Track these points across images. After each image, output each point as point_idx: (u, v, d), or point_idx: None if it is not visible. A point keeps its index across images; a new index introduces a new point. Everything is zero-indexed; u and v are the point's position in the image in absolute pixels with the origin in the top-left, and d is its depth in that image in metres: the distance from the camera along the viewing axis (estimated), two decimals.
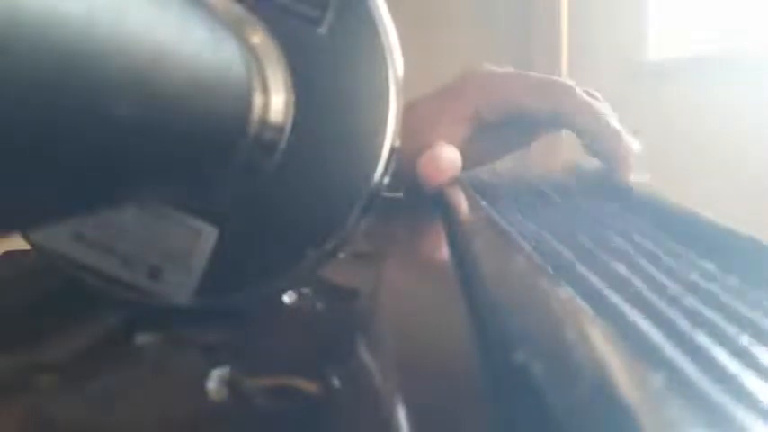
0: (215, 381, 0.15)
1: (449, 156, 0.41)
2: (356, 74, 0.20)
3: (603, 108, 0.41)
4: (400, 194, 0.44)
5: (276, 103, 0.19)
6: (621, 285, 0.19)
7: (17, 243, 0.20)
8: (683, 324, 0.15)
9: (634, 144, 0.40)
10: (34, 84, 0.09)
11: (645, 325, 0.15)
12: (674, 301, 0.17)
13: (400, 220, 0.38)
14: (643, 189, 0.35)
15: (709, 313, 0.16)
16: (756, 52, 1.53)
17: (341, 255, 0.23)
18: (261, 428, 0.14)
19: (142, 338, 0.18)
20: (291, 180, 0.20)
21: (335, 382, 0.15)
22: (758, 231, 0.23)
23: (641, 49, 1.62)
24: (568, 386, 0.11)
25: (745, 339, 0.14)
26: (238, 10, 0.19)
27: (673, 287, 0.19)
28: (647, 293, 0.18)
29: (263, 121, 0.19)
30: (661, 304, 0.17)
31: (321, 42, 0.20)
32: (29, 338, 0.19)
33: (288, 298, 0.21)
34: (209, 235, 0.20)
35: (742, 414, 0.10)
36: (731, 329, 0.15)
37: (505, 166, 0.49)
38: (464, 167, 0.42)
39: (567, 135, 0.44)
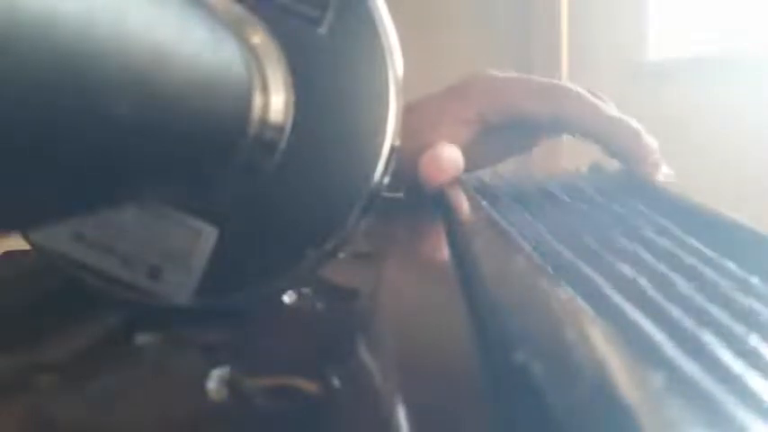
0: (215, 381, 0.15)
1: (450, 155, 0.41)
2: (356, 74, 0.20)
3: (612, 109, 0.41)
4: (400, 194, 0.44)
5: (276, 102, 0.19)
6: (625, 285, 0.19)
7: (17, 243, 0.20)
8: (688, 323, 0.15)
9: (653, 141, 0.40)
10: (34, 84, 0.09)
11: (647, 325, 0.15)
12: (681, 300, 0.17)
13: (400, 220, 0.38)
14: (666, 187, 0.35)
15: (717, 312, 0.16)
16: (756, 52, 1.53)
17: (341, 255, 0.23)
18: (261, 428, 0.14)
19: (142, 338, 0.18)
20: (291, 180, 0.20)
21: (335, 382, 0.15)
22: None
23: (641, 49, 1.62)
24: (568, 386, 0.11)
25: (753, 339, 0.14)
26: (238, 10, 0.19)
27: (682, 286, 0.18)
28: (652, 293, 0.18)
29: (263, 121, 0.19)
30: (666, 304, 0.17)
31: (321, 42, 0.20)
32: (29, 338, 0.19)
33: (288, 298, 0.21)
34: (209, 235, 0.20)
35: (743, 414, 0.10)
36: (739, 329, 0.15)
37: (507, 168, 0.49)
38: (466, 169, 0.42)
39: (567, 139, 0.44)
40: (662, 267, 0.20)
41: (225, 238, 0.20)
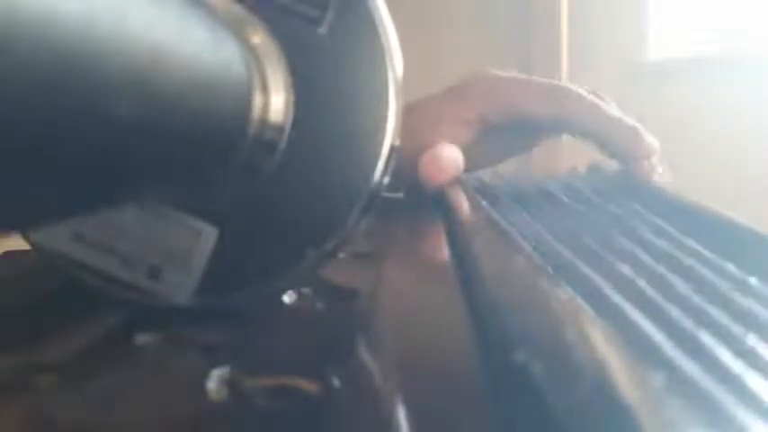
0: (215, 381, 0.15)
1: (450, 155, 0.41)
2: (356, 74, 0.20)
3: (613, 109, 0.41)
4: (400, 194, 0.44)
5: (276, 102, 0.19)
6: (625, 285, 0.19)
7: (17, 243, 0.20)
8: (687, 324, 0.15)
9: (654, 142, 0.40)
10: (34, 84, 0.09)
11: (646, 325, 0.15)
12: (679, 300, 0.17)
13: (400, 220, 0.38)
14: (663, 188, 0.35)
15: (715, 313, 0.16)
16: (756, 52, 1.53)
17: (341, 255, 0.23)
18: (261, 428, 0.14)
19: (142, 338, 0.18)
20: (291, 180, 0.20)
21: (335, 382, 0.15)
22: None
23: (641, 49, 1.62)
24: (568, 386, 0.11)
25: (751, 339, 0.14)
26: (238, 10, 0.19)
27: (680, 287, 0.18)
28: (652, 293, 0.18)
29: (263, 121, 0.19)
30: (665, 304, 0.17)
31: (321, 42, 0.20)
32: (29, 338, 0.19)
33: (288, 298, 0.21)
34: (209, 235, 0.20)
35: (743, 414, 0.10)
36: (737, 329, 0.15)
37: (507, 169, 0.49)
38: (466, 169, 0.42)
39: (567, 139, 0.44)
40: (660, 268, 0.20)
41: (225, 238, 0.20)
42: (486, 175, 0.47)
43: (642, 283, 0.19)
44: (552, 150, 0.84)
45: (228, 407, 0.14)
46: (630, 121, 0.40)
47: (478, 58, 1.56)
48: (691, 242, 0.24)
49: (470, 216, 0.29)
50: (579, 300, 0.17)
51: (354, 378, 0.16)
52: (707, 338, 0.14)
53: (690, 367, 0.12)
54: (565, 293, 0.16)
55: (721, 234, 0.25)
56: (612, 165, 0.43)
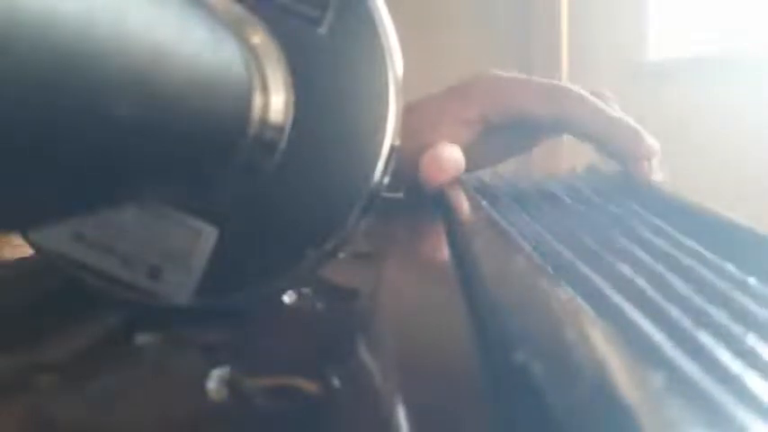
0: (215, 381, 0.15)
1: (451, 155, 0.41)
2: (356, 74, 0.20)
3: (614, 110, 0.41)
4: (400, 194, 0.44)
5: (276, 102, 0.19)
6: (624, 285, 0.19)
7: (17, 242, 0.20)
8: (687, 324, 0.15)
9: (655, 143, 0.40)
10: (34, 84, 0.09)
11: (646, 325, 0.15)
12: (679, 300, 0.17)
13: (400, 220, 0.38)
14: (662, 188, 0.35)
15: (715, 312, 0.16)
16: (756, 52, 1.53)
17: (341, 255, 0.23)
18: (261, 428, 0.14)
19: (142, 338, 0.18)
20: (291, 180, 0.20)
21: (335, 382, 0.15)
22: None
23: (641, 49, 1.62)
24: (568, 386, 0.11)
25: (750, 339, 0.14)
26: (238, 10, 0.19)
27: (680, 287, 0.18)
28: (651, 293, 0.18)
29: (263, 121, 0.19)
30: (665, 304, 0.17)
31: (321, 42, 0.20)
32: (29, 338, 0.19)
33: (288, 298, 0.21)
34: (209, 235, 0.20)
35: (743, 414, 0.10)
36: (737, 329, 0.15)
37: (508, 169, 0.49)
38: (466, 169, 0.42)
39: (567, 139, 0.44)
40: (660, 268, 0.20)
41: (225, 238, 0.20)
42: (486, 175, 0.47)
43: (642, 283, 0.19)
44: (552, 150, 0.84)
45: (228, 407, 0.14)
46: (631, 121, 0.40)
47: (478, 58, 1.56)
48: (690, 242, 0.24)
49: (470, 216, 0.29)
50: (579, 300, 0.17)
51: (354, 378, 0.16)
52: (706, 338, 0.14)
53: (690, 367, 0.12)
54: (565, 293, 0.16)
55: (720, 234, 0.25)
56: (610, 165, 0.44)
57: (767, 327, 0.16)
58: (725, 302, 0.17)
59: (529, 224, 0.28)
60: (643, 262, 0.21)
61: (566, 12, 1.64)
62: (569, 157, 0.53)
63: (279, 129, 0.19)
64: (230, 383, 0.15)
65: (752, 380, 0.12)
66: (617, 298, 0.17)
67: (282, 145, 0.19)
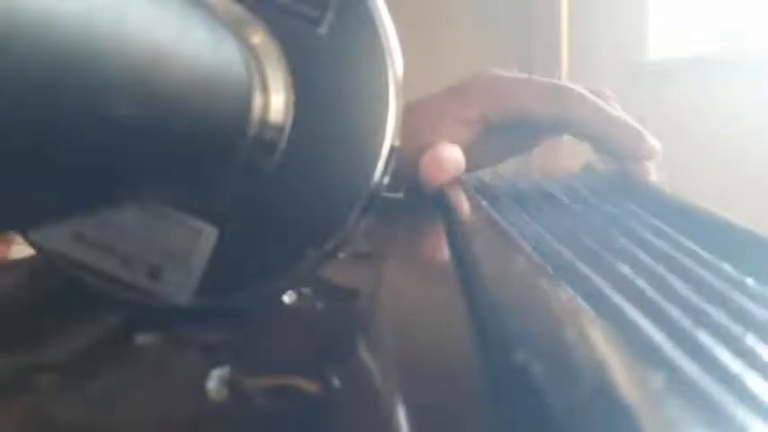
0: (215, 381, 0.15)
1: (451, 155, 0.41)
2: (356, 74, 0.20)
3: (615, 110, 0.41)
4: (400, 194, 0.44)
5: (276, 103, 0.19)
6: (624, 285, 0.19)
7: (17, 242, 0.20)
8: (686, 324, 0.15)
9: (657, 143, 0.40)
10: (34, 84, 0.09)
11: (646, 325, 0.15)
12: (678, 300, 0.17)
13: (400, 220, 0.38)
14: (659, 189, 0.35)
15: (714, 313, 0.16)
16: (756, 52, 1.53)
17: (341, 255, 0.23)
18: (261, 428, 0.14)
19: (142, 338, 0.18)
20: (291, 180, 0.20)
21: (335, 382, 0.15)
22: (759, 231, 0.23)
23: (641, 49, 1.62)
24: (568, 386, 0.11)
25: (750, 339, 0.14)
26: (238, 10, 0.19)
27: (679, 287, 0.18)
28: (651, 293, 0.18)
29: (263, 121, 0.19)
30: (665, 304, 0.17)
31: (321, 42, 0.20)
32: (29, 338, 0.19)
33: (288, 298, 0.21)
34: (209, 235, 0.20)
35: (743, 414, 0.10)
36: (736, 329, 0.15)
37: (508, 168, 0.49)
38: (466, 169, 0.42)
39: (567, 138, 0.44)
40: (659, 268, 0.20)
41: (225, 238, 0.20)
42: (486, 175, 0.47)
43: (642, 283, 0.19)
44: (552, 150, 0.84)
45: (228, 407, 0.14)
46: (632, 121, 0.40)
47: (478, 58, 1.56)
48: (688, 242, 0.24)
49: (470, 216, 0.29)
50: (579, 300, 0.17)
51: (354, 378, 0.16)
52: (706, 338, 0.14)
53: (689, 367, 0.12)
54: (565, 293, 0.16)
55: (717, 235, 0.25)
56: (607, 164, 0.44)
57: (766, 327, 0.16)
58: (723, 303, 0.17)
59: (529, 224, 0.28)
60: (642, 262, 0.21)
61: (566, 12, 1.64)
62: (569, 157, 0.53)
63: (279, 129, 0.19)
64: (230, 383, 0.15)
65: (751, 380, 0.12)
66: (617, 298, 0.17)
67: (282, 145, 0.19)
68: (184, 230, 0.20)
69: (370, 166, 0.20)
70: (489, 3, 1.70)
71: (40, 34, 0.09)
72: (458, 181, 0.39)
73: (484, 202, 0.31)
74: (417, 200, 0.41)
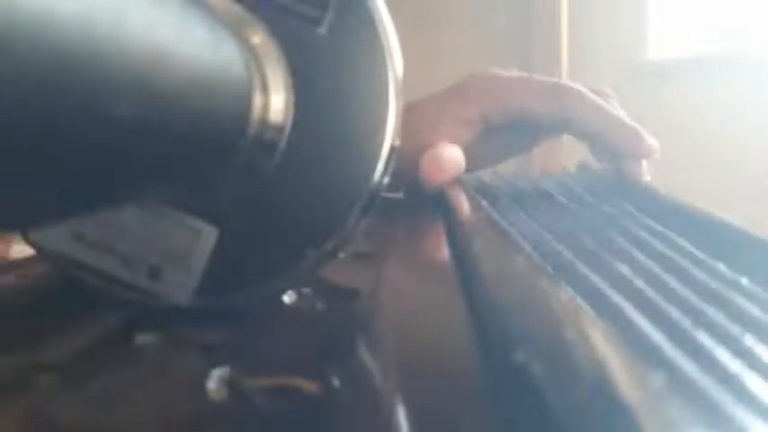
0: (215, 381, 0.15)
1: (451, 155, 0.41)
2: (356, 74, 0.20)
3: (615, 109, 0.41)
4: (400, 194, 0.44)
5: (276, 103, 0.19)
6: (623, 285, 0.19)
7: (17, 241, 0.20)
8: (686, 324, 0.15)
9: (655, 143, 0.40)
10: (34, 84, 0.09)
11: (645, 325, 0.15)
12: (677, 301, 0.17)
13: (400, 220, 0.38)
14: (654, 189, 0.35)
15: (712, 313, 0.16)
16: (756, 52, 1.53)
17: (341, 255, 0.23)
18: (261, 428, 0.14)
19: (142, 338, 0.18)
20: (291, 180, 0.20)
21: (335, 382, 0.15)
22: (758, 231, 0.24)
23: (641, 49, 1.62)
24: (568, 386, 0.11)
25: (748, 340, 0.14)
26: (238, 10, 0.20)
27: (677, 287, 0.18)
28: (650, 293, 0.18)
29: (263, 121, 0.19)
30: (663, 304, 0.17)
31: (321, 42, 0.20)
32: (29, 338, 0.19)
33: (288, 298, 0.21)
34: (209, 235, 0.20)
35: (743, 414, 0.10)
36: (735, 329, 0.15)
37: (508, 168, 0.49)
38: (466, 169, 0.42)
39: (567, 138, 0.44)
40: (656, 268, 0.20)
41: (225, 238, 0.20)
42: (486, 175, 0.47)
43: (640, 283, 0.19)
44: (552, 150, 0.84)
45: (228, 407, 0.14)
46: (630, 120, 0.41)
47: (478, 58, 1.56)
48: (683, 242, 0.24)
49: (470, 216, 0.29)
50: (579, 300, 0.17)
51: (354, 378, 0.16)
52: (705, 339, 0.14)
53: (689, 367, 0.12)
54: (565, 293, 0.16)
55: (712, 234, 0.25)
56: (602, 164, 0.44)
57: (764, 327, 0.16)
58: (721, 303, 0.17)
59: (528, 224, 0.28)
60: (640, 262, 0.21)
61: (566, 12, 1.64)
62: (569, 156, 0.53)
63: (279, 129, 0.19)
64: (230, 383, 0.15)
65: (751, 380, 0.12)
66: (616, 298, 0.17)
67: (282, 145, 0.19)
68: (184, 230, 0.20)
69: (370, 166, 0.20)
70: (489, 3, 1.70)
71: (40, 34, 0.09)
72: (458, 181, 0.39)
73: (484, 202, 0.31)
74: (417, 200, 0.41)
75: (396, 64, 0.20)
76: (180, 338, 0.18)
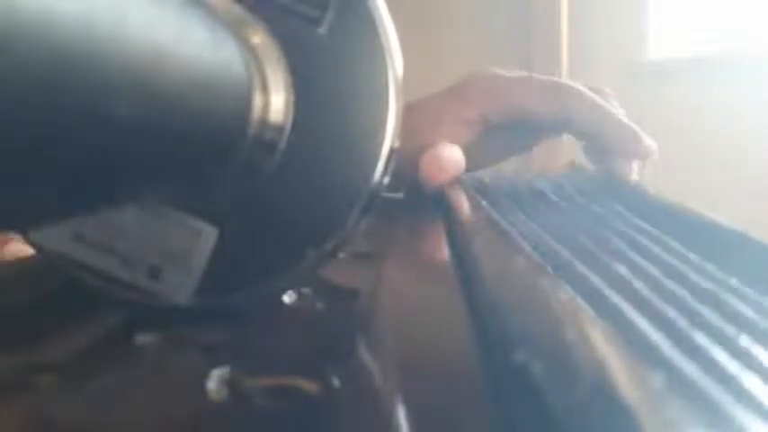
0: (215, 381, 0.15)
1: (451, 155, 0.41)
2: (356, 74, 0.20)
3: (614, 108, 0.41)
4: (400, 194, 0.44)
5: (276, 103, 0.19)
6: (621, 285, 0.19)
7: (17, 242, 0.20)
8: (683, 324, 0.15)
9: (653, 144, 0.40)
10: (34, 84, 0.09)
11: (644, 325, 0.15)
12: (673, 301, 0.17)
13: (400, 220, 0.38)
14: (642, 189, 0.35)
15: (708, 314, 0.16)
16: (756, 52, 1.53)
17: (341, 255, 0.23)
18: (261, 428, 0.14)
19: (142, 338, 0.18)
20: (291, 180, 0.20)
21: (335, 382, 0.15)
22: (758, 231, 0.24)
23: (641, 49, 1.62)
24: (568, 386, 0.11)
25: (744, 340, 0.14)
26: (238, 10, 0.19)
27: (673, 287, 0.18)
28: (647, 294, 0.18)
29: (263, 121, 0.19)
30: (660, 305, 0.17)
31: (321, 42, 0.20)
32: (29, 338, 0.19)
33: (288, 298, 0.21)
34: (209, 235, 0.20)
35: (742, 414, 0.10)
36: (730, 330, 0.15)
37: (508, 168, 0.49)
38: (466, 169, 0.42)
39: (567, 137, 0.44)
40: (652, 269, 0.20)
41: (225, 238, 0.20)
42: (486, 175, 0.47)
43: (638, 284, 0.19)
44: (552, 150, 0.84)
45: (228, 407, 0.14)
46: (629, 121, 0.41)
47: (478, 58, 1.56)
48: (673, 242, 0.24)
49: (470, 216, 0.29)
50: (579, 300, 0.17)
51: (354, 378, 0.16)
52: (702, 339, 0.14)
53: (688, 368, 0.12)
54: (565, 293, 0.16)
55: (703, 235, 0.25)
56: (595, 164, 0.44)
57: (758, 328, 0.16)
58: (717, 304, 0.17)
59: (527, 224, 0.28)
60: (636, 263, 0.21)
61: (566, 12, 1.64)
62: (569, 156, 0.53)
63: (279, 129, 0.19)
64: (230, 383, 0.15)
65: (749, 380, 0.12)
66: (616, 298, 0.17)
67: (282, 145, 0.19)
68: (184, 230, 0.20)
69: (370, 167, 0.20)
70: (489, 3, 1.70)
71: (40, 34, 0.09)
72: (458, 181, 0.39)
73: (484, 202, 0.31)
74: (417, 200, 0.41)
75: (396, 64, 0.20)
76: (180, 338, 0.18)
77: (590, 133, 0.41)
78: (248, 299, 0.20)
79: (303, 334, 0.19)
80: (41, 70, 0.09)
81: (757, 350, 0.14)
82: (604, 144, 0.41)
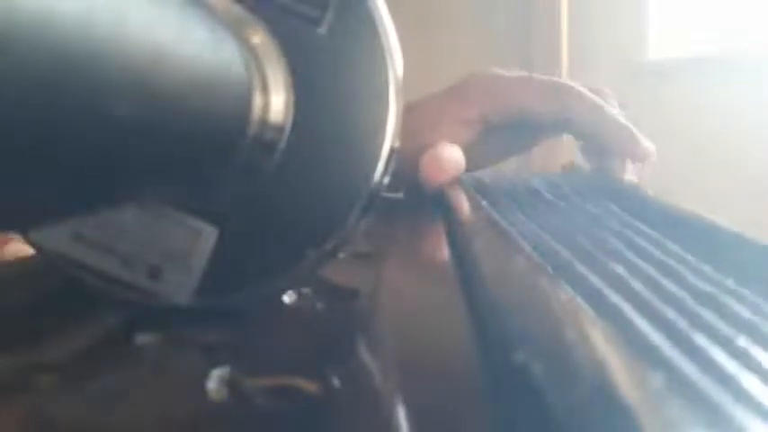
0: (215, 381, 0.15)
1: (451, 155, 0.41)
2: (356, 74, 0.20)
3: (613, 108, 0.41)
4: (400, 194, 0.44)
5: (276, 103, 0.19)
6: (621, 286, 0.19)
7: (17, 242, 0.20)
8: (682, 325, 0.15)
9: (651, 146, 0.40)
10: (34, 84, 0.09)
11: (644, 325, 0.15)
12: (672, 302, 0.17)
13: (400, 220, 0.38)
14: (638, 189, 0.35)
15: (707, 315, 0.16)
16: (756, 52, 1.53)
17: (341, 255, 0.23)
18: (261, 428, 0.14)
19: (142, 338, 0.18)
20: (291, 180, 0.20)
21: (335, 382, 0.15)
22: (758, 231, 0.23)
23: (641, 49, 1.62)
24: (568, 386, 0.11)
25: (742, 341, 0.15)
26: (238, 10, 0.20)
27: (671, 288, 0.18)
28: (646, 294, 0.18)
29: (263, 121, 0.19)
30: (660, 305, 0.17)
31: (321, 42, 0.20)
32: (29, 338, 0.19)
33: (288, 298, 0.21)
34: (209, 235, 0.20)
35: (741, 414, 0.10)
36: (729, 331, 0.15)
37: (508, 168, 0.49)
38: (466, 169, 0.42)
39: (567, 137, 0.44)
40: (651, 270, 0.20)
41: (225, 238, 0.20)
42: (486, 175, 0.47)
43: (637, 285, 0.19)
44: (552, 150, 0.84)
45: (228, 407, 0.14)
46: (627, 122, 0.41)
47: (478, 58, 1.56)
48: (669, 243, 0.24)
49: (470, 216, 0.29)
50: (579, 300, 0.17)
51: (354, 378, 0.16)
52: (701, 340, 0.14)
53: (688, 368, 0.12)
54: (565, 293, 0.16)
55: (697, 235, 0.25)
56: (590, 164, 0.44)
57: (756, 329, 0.16)
58: (716, 305, 0.17)
59: (527, 224, 0.28)
60: (635, 263, 0.21)
61: (566, 12, 1.64)
62: (569, 156, 0.53)
63: (279, 129, 0.19)
64: (230, 383, 0.15)
65: (748, 381, 0.12)
66: (615, 298, 0.17)
67: (282, 145, 0.19)
68: (184, 230, 0.20)
69: (370, 167, 0.20)
70: (489, 3, 1.70)
71: (40, 34, 0.09)
72: (458, 181, 0.39)
73: (484, 202, 0.31)
74: (417, 200, 0.41)
75: (396, 64, 0.20)
76: (180, 338, 0.18)
77: (589, 133, 0.41)
78: (248, 299, 0.20)
79: (303, 334, 0.19)
80: (41, 70, 0.09)
81: (756, 351, 0.14)
82: (602, 144, 0.41)
